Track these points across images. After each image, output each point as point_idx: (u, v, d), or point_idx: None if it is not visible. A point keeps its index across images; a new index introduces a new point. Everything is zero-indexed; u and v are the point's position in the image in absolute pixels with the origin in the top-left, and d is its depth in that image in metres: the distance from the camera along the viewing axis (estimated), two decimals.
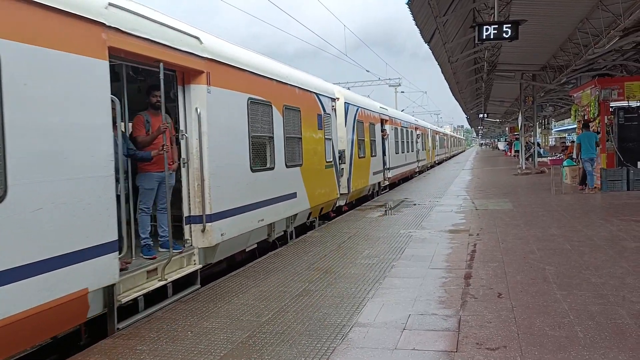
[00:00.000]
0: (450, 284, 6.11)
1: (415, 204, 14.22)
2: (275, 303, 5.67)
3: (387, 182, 19.15)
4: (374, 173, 16.67)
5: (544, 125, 41.98)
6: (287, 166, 9.22)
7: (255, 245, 8.35)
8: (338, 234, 9.91)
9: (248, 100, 7.78)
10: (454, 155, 65.06)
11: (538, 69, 23.16)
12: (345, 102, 13.52)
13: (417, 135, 27.81)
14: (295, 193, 9.56)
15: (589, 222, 9.90)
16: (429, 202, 14.50)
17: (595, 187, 15.30)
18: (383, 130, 18.53)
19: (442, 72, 21.12)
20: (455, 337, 4.41)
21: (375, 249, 8.36)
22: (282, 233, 9.34)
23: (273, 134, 8.67)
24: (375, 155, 16.77)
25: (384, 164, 18.57)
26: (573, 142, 29.16)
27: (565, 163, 18.26)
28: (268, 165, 8.52)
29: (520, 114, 27.49)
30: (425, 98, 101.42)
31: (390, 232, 9.88)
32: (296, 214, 9.75)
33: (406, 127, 24.00)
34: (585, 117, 19.21)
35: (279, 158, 8.86)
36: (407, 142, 24.08)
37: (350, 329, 4.75)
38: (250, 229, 7.75)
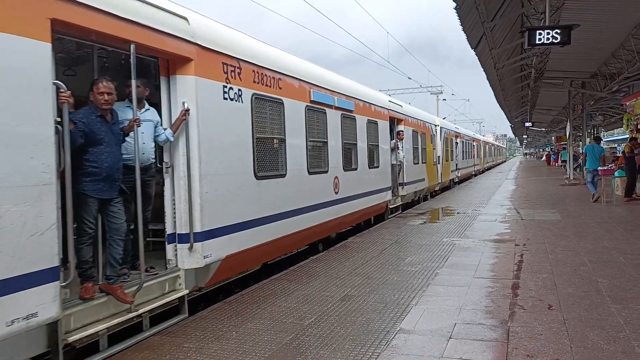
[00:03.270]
0: (496, 293, 5.95)
1: (458, 212, 13.96)
2: (318, 307, 5.66)
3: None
4: None
5: (593, 134, 40.52)
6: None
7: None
8: (379, 241, 9.83)
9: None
10: (490, 168, 52.02)
11: (588, 77, 22.41)
12: None
13: (399, 132, 14.67)
14: None
15: None
16: (472, 211, 14.20)
17: (596, 195, 15.59)
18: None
19: (488, 80, 20.74)
20: (504, 348, 4.28)
21: (418, 256, 8.24)
22: None
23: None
24: None
25: None
26: (614, 153, 28.27)
27: (616, 174, 17.54)
28: None
29: (568, 123, 26.64)
30: (468, 106, 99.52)
31: (433, 239, 9.72)
32: None
33: (333, 108, 9.67)
34: (639, 126, 18.49)
35: None
36: (346, 148, 10.35)
37: (395, 335, 4.69)
38: None
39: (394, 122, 14.43)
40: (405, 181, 15.00)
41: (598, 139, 17.49)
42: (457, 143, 26.66)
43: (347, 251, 8.93)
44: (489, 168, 51.50)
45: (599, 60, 19.15)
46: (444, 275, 6.90)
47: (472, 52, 15.11)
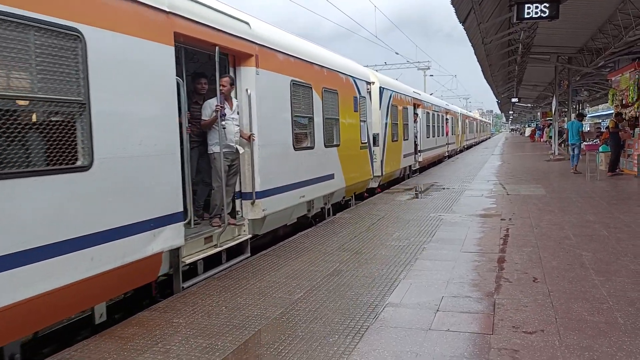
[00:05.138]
0: (483, 267, 6.03)
1: (444, 188, 14.06)
2: (306, 282, 5.70)
3: None
4: None
5: (578, 110, 40.85)
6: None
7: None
8: (367, 216, 9.87)
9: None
10: (471, 146, 46.08)
11: (574, 52, 22.43)
12: None
13: (223, 81, 6.44)
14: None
15: (627, 209, 9.62)
16: (458, 187, 14.31)
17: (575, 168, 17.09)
18: None
19: (475, 55, 20.65)
20: (490, 320, 4.36)
21: (406, 231, 8.31)
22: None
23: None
24: None
25: None
26: (599, 128, 28.71)
27: (600, 149, 17.76)
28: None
29: (554, 98, 26.75)
30: (455, 82, 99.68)
31: (420, 215, 9.79)
32: None
33: None
34: (624, 102, 18.65)
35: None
36: None
37: (383, 308, 4.75)
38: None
39: (224, 57, 6.76)
40: (259, 188, 7.24)
41: (580, 116, 18.89)
42: (416, 114, 19.95)
43: (335, 227, 8.96)
44: (471, 146, 45.95)
45: (586, 35, 19.15)
46: (432, 250, 6.97)
47: (461, 28, 15.02)
